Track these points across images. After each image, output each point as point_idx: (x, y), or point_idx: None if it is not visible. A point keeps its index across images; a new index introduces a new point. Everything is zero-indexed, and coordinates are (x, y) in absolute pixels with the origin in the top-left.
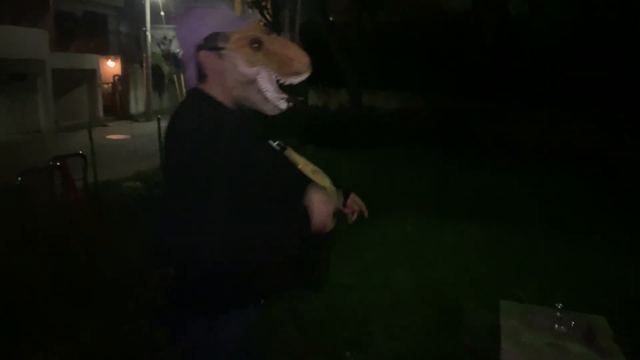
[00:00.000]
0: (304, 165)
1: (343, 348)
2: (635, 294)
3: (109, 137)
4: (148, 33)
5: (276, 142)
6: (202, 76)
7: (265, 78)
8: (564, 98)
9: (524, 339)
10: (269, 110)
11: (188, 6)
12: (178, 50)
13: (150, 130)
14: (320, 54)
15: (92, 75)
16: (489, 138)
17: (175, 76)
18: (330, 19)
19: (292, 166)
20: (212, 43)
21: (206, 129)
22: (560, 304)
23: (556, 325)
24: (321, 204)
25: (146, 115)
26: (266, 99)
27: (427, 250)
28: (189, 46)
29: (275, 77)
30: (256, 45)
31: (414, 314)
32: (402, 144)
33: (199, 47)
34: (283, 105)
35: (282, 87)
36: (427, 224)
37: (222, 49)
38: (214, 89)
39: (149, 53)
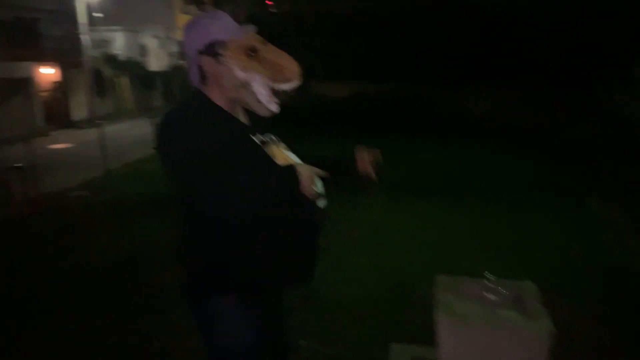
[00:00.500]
0: (283, 160)
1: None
2: (576, 261)
3: (50, 146)
4: (85, 36)
5: (259, 137)
6: (203, 79)
7: (259, 83)
8: (515, 75)
9: (457, 310)
10: (261, 111)
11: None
12: (119, 52)
13: (94, 136)
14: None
15: (26, 83)
16: (441, 119)
17: (116, 79)
18: (274, 10)
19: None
20: (212, 49)
21: (192, 123)
22: (492, 275)
23: (488, 294)
24: (305, 171)
25: (89, 122)
26: (258, 102)
27: (383, 230)
28: (192, 51)
29: (268, 83)
30: (251, 52)
31: (372, 295)
32: (353, 132)
33: (201, 53)
34: (274, 107)
35: None
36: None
37: (221, 55)
38: (213, 92)
39: (88, 57)
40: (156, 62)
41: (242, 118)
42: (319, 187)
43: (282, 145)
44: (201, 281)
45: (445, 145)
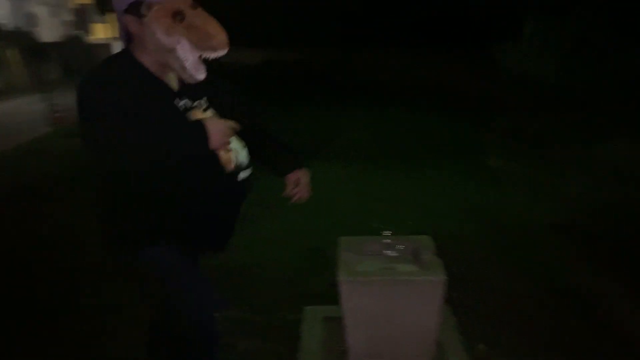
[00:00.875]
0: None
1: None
2: (476, 216)
3: None
4: None
5: (182, 102)
6: (128, 38)
7: (184, 49)
8: (418, 39)
9: (358, 268)
10: (187, 78)
11: None
12: (3, 21)
13: None
14: None
15: None
16: (353, 83)
17: (2, 52)
18: None
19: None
20: (137, 9)
21: (109, 78)
22: (390, 231)
23: (387, 251)
24: (216, 124)
25: None
26: (184, 68)
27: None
28: (118, 8)
29: (194, 50)
30: (178, 17)
31: (284, 259)
32: (267, 97)
33: (126, 11)
34: (200, 75)
35: None
36: None
37: (144, 16)
38: (138, 51)
39: None
40: (48, 32)
41: (173, 82)
42: (235, 145)
43: (211, 111)
44: (133, 234)
45: (355, 109)
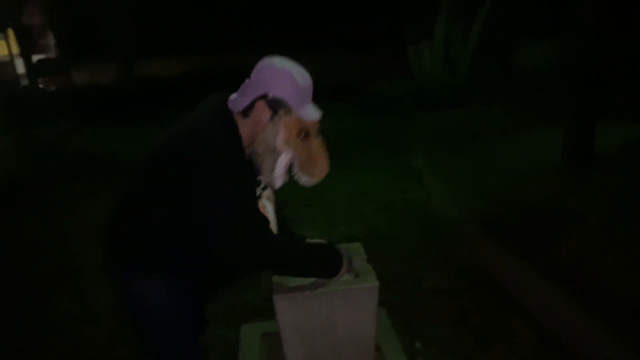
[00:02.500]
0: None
1: None
2: (404, 213)
3: None
4: None
5: (259, 189)
6: (247, 112)
7: (286, 159)
8: (336, 41)
9: (291, 283)
10: (265, 178)
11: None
12: None
13: None
14: (82, 24)
15: None
16: None
17: None
18: None
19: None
20: (276, 105)
21: (231, 152)
22: (324, 240)
23: None
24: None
25: None
26: (271, 171)
27: None
28: (259, 86)
29: (295, 166)
30: (302, 135)
31: None
32: (187, 109)
33: (265, 96)
34: (278, 184)
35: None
36: None
37: (278, 117)
38: (244, 128)
39: None
40: None
41: None
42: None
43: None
44: (147, 261)
45: None
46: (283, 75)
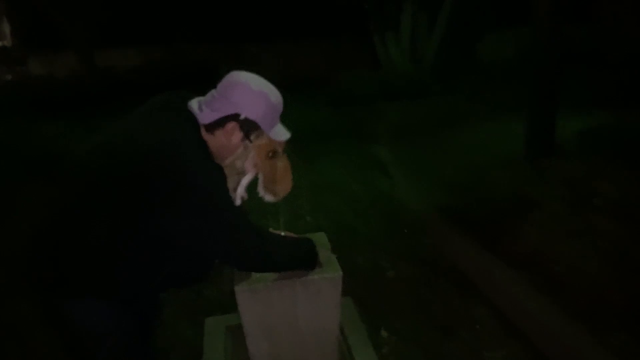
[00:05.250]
0: None
1: None
2: (368, 204)
3: None
4: None
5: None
6: (214, 127)
7: (249, 178)
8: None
9: (254, 275)
10: None
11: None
12: None
13: None
14: (39, 11)
15: None
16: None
17: None
18: None
19: None
20: (248, 128)
21: (215, 168)
22: (284, 232)
23: None
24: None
25: None
26: (233, 190)
27: None
28: (232, 104)
29: (259, 184)
30: (271, 154)
31: None
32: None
33: (238, 117)
34: (237, 203)
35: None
36: None
37: (249, 140)
38: (212, 143)
39: None
40: None
41: None
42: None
43: None
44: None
45: None
46: (258, 96)
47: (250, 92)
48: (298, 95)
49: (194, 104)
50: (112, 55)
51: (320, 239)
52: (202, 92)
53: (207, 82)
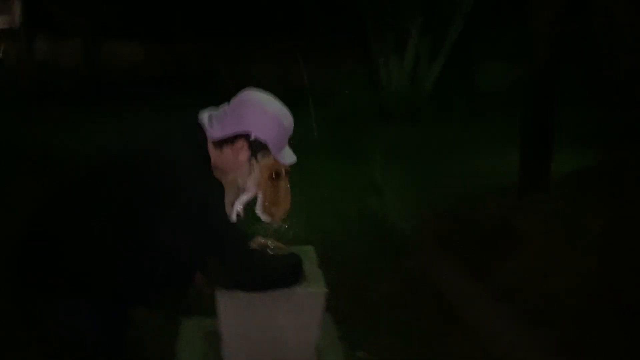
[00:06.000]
0: None
1: None
2: (358, 222)
3: None
4: None
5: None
6: (222, 143)
7: (248, 196)
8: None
9: None
10: None
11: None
12: None
13: None
14: None
15: None
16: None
17: None
18: None
19: None
20: (256, 147)
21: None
22: (271, 241)
23: None
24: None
25: None
26: (230, 206)
27: None
28: (244, 122)
29: (258, 204)
30: (274, 177)
31: None
32: (146, 98)
33: (248, 137)
34: (232, 219)
35: None
36: None
37: (256, 160)
38: (216, 158)
39: None
40: None
41: None
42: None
43: None
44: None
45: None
46: (271, 119)
47: (263, 114)
48: (294, 107)
49: (205, 116)
50: (115, 48)
51: (308, 253)
52: (204, 94)
53: (207, 82)
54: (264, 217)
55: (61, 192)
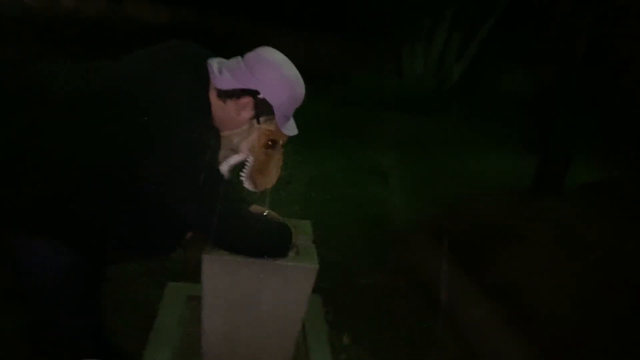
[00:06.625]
0: None
1: None
2: (358, 207)
3: None
4: None
5: None
6: (228, 96)
7: (237, 159)
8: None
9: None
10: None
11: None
12: None
13: None
14: None
15: None
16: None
17: None
18: None
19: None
20: (261, 109)
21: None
22: (267, 211)
23: None
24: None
25: None
26: (223, 162)
27: None
28: (255, 80)
29: (245, 168)
30: (270, 144)
31: None
32: None
33: (256, 95)
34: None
35: None
36: None
37: (258, 121)
38: (219, 110)
39: None
40: None
41: None
42: None
43: None
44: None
45: None
46: (284, 83)
47: (277, 76)
48: (307, 86)
49: (214, 63)
50: (142, 7)
51: (305, 228)
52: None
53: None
54: (247, 184)
55: (40, 117)
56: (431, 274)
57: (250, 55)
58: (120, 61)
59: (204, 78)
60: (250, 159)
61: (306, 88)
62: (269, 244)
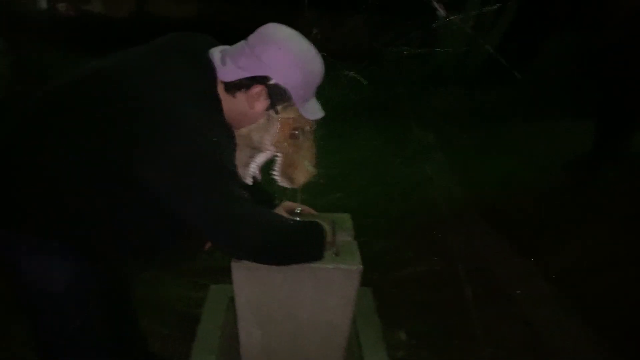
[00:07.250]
0: None
1: None
2: (402, 191)
3: None
4: None
5: None
6: (236, 88)
7: (265, 157)
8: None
9: None
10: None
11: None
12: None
13: None
14: None
15: None
16: None
17: None
18: None
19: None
20: (277, 96)
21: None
22: (300, 209)
23: None
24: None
25: None
26: (244, 166)
27: None
28: (264, 65)
29: (277, 168)
30: (295, 134)
31: None
32: None
33: (267, 81)
34: (248, 180)
35: None
36: None
37: (275, 112)
38: (230, 106)
39: None
40: None
41: None
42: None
43: None
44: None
45: None
46: (295, 62)
47: (287, 55)
48: (337, 65)
49: (215, 53)
50: (167, 3)
51: (344, 222)
52: None
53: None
54: (282, 182)
55: (33, 112)
56: (490, 260)
57: (252, 37)
58: (113, 57)
59: (209, 72)
60: (278, 155)
61: (342, 68)
62: (297, 250)
